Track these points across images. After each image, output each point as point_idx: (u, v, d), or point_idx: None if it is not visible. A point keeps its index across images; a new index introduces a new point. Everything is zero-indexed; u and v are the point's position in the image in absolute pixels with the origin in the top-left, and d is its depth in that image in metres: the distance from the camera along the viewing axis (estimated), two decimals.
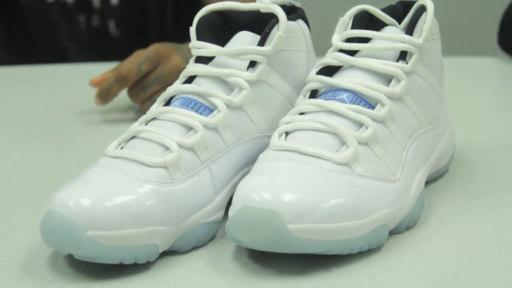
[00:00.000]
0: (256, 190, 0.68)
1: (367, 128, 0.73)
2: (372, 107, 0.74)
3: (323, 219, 0.67)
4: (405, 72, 0.77)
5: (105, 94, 1.15)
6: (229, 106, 0.77)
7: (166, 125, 0.76)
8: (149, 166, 0.72)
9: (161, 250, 0.71)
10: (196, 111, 0.77)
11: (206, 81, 0.79)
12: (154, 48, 1.16)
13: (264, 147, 0.77)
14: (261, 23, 0.82)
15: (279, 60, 0.81)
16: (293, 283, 0.68)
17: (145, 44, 1.35)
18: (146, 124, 0.77)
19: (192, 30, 0.82)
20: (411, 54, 0.78)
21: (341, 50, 0.78)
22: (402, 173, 0.76)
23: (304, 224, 0.66)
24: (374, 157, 0.73)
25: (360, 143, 0.72)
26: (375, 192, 0.72)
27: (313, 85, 0.78)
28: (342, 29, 0.80)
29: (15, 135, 1.10)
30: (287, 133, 0.75)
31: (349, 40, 0.79)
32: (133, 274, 0.70)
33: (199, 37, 0.81)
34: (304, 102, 0.76)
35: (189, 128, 0.75)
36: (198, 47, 0.81)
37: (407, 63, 0.77)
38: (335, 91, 0.75)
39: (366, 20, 0.81)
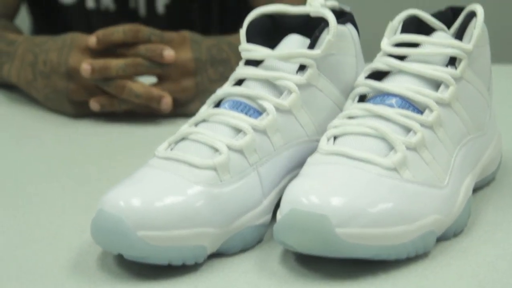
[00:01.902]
0: (305, 194, 0.68)
1: (415, 133, 0.73)
2: (421, 112, 0.74)
3: (371, 223, 0.68)
4: (454, 78, 0.76)
5: (106, 36, 1.11)
6: (278, 109, 0.77)
7: (215, 127, 0.77)
8: (198, 167, 0.72)
9: (209, 252, 0.72)
10: (246, 114, 0.77)
11: (256, 84, 0.80)
12: (178, 33, 1.12)
13: (312, 150, 0.78)
14: (311, 27, 0.83)
15: (328, 64, 0.81)
16: None
17: None
18: (195, 126, 0.77)
19: (242, 33, 0.82)
20: (460, 60, 0.77)
21: (390, 55, 0.78)
22: (450, 179, 0.75)
23: (352, 229, 0.67)
24: (422, 163, 0.73)
25: (408, 148, 0.72)
26: (423, 197, 0.72)
27: (361, 90, 0.78)
28: (391, 34, 0.80)
29: (63, 135, 1.09)
30: (335, 137, 0.75)
31: (398, 45, 0.79)
32: (181, 275, 0.71)
33: (249, 40, 0.82)
34: (353, 107, 0.76)
35: (238, 130, 0.76)
36: (248, 50, 0.81)
37: (456, 68, 0.77)
38: (383, 96, 0.76)
39: (415, 25, 0.81)
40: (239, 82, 0.81)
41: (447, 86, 0.76)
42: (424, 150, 0.74)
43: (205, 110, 0.80)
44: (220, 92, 0.80)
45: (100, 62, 1.07)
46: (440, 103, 0.75)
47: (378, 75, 0.79)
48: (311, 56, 0.79)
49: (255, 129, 0.76)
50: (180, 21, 1.62)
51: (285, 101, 0.78)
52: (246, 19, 0.83)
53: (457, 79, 0.77)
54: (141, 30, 1.09)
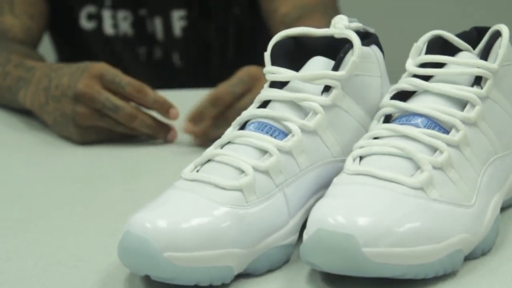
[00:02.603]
0: (331, 214, 0.68)
1: (441, 153, 0.73)
2: (447, 132, 0.75)
3: (398, 243, 0.68)
4: (480, 97, 0.77)
5: (198, 116, 1.10)
6: (303, 130, 0.77)
7: (241, 148, 0.77)
8: (224, 189, 0.73)
9: (236, 273, 0.72)
10: (271, 135, 0.77)
11: (281, 105, 0.80)
12: (247, 70, 1.11)
13: (338, 171, 0.78)
14: (335, 49, 0.83)
15: (353, 85, 0.81)
16: None
17: (208, 75, 1.35)
18: (221, 148, 0.78)
19: (267, 55, 0.82)
20: (486, 79, 0.77)
21: (415, 75, 0.79)
22: (477, 198, 0.75)
23: (379, 248, 0.67)
24: (449, 182, 0.73)
25: (434, 167, 0.72)
26: (450, 216, 0.72)
27: (387, 110, 0.78)
28: (416, 54, 0.80)
29: (86, 159, 1.11)
30: (361, 158, 0.75)
31: (423, 65, 0.79)
32: None
33: (274, 62, 0.82)
34: (378, 127, 0.77)
35: (264, 151, 0.76)
36: (273, 72, 0.81)
37: (481, 88, 0.77)
38: (409, 116, 0.76)
39: (440, 46, 0.81)
40: (264, 104, 0.81)
41: (473, 106, 0.76)
42: (450, 169, 0.73)
43: (231, 132, 0.79)
44: (246, 114, 0.80)
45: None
46: (466, 122, 0.75)
47: (404, 96, 0.79)
48: (336, 77, 0.79)
49: (281, 150, 0.76)
50: (197, 43, 1.63)
51: (310, 122, 0.78)
52: (271, 41, 0.83)
53: (483, 99, 0.77)
54: (223, 94, 1.10)
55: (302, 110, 0.79)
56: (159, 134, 1.12)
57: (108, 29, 1.61)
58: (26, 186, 1.04)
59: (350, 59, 0.79)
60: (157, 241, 0.69)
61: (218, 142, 0.79)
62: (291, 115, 0.79)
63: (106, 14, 1.60)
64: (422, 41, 0.81)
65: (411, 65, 0.80)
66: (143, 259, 0.70)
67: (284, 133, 0.78)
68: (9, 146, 1.19)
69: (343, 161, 0.78)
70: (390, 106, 0.79)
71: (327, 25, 0.91)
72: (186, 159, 0.83)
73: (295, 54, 0.84)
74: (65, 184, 1.03)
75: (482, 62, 0.78)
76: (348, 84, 0.80)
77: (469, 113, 0.76)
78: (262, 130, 0.78)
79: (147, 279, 0.73)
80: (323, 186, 0.79)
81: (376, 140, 0.76)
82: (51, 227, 0.87)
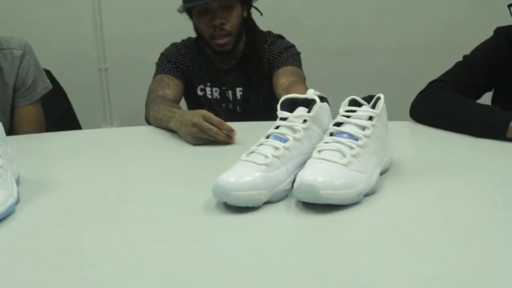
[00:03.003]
0: (306, 175, 0.80)
1: (355, 149, 0.85)
2: (357, 140, 0.86)
3: (335, 188, 0.79)
4: (372, 125, 0.88)
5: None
6: (294, 139, 0.88)
7: (266, 147, 0.87)
8: (259, 164, 0.83)
9: (264, 201, 0.82)
10: (280, 141, 0.88)
11: (285, 128, 0.91)
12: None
13: (309, 158, 0.86)
14: (309, 103, 0.92)
15: (316, 118, 0.92)
16: None
17: (253, 116, 1.53)
18: (257, 146, 0.88)
19: (278, 106, 0.93)
20: (374, 117, 0.89)
21: (343, 115, 0.89)
22: (369, 169, 0.86)
23: (327, 191, 0.79)
24: (358, 162, 0.84)
25: (352, 156, 0.84)
26: (358, 177, 0.83)
27: (331, 130, 0.89)
28: (344, 106, 0.91)
29: (195, 151, 1.17)
30: (319, 151, 0.85)
31: (347, 111, 0.90)
32: (252, 211, 0.79)
33: (281, 109, 0.92)
34: (327, 138, 0.88)
35: (277, 148, 0.87)
36: (281, 113, 0.92)
37: (372, 121, 0.89)
38: (341, 133, 0.88)
39: (353, 103, 0.92)
40: (277, 127, 0.91)
41: (368, 129, 0.88)
42: (358, 156, 0.85)
43: (262, 139, 0.89)
44: (268, 132, 0.91)
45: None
46: (366, 136, 0.87)
47: (338, 124, 0.89)
48: (309, 116, 0.91)
49: (284, 148, 0.87)
50: (247, 102, 1.69)
51: (298, 135, 0.89)
52: (280, 100, 0.93)
53: (373, 126, 0.89)
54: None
55: (293, 130, 0.91)
56: (229, 140, 1.21)
57: (209, 95, 1.72)
58: (172, 163, 1.12)
59: (315, 107, 0.92)
60: (229, 186, 0.80)
61: (256, 143, 0.88)
62: (288, 132, 0.90)
63: (208, 89, 1.71)
64: (346, 101, 0.91)
65: (341, 111, 0.91)
66: (223, 195, 0.81)
67: (285, 140, 0.89)
68: (163, 146, 1.26)
69: (311, 153, 0.88)
70: (332, 129, 0.90)
71: (304, 91, 1.00)
72: (237, 152, 0.90)
73: (290, 105, 0.93)
74: (183, 164, 1.11)
75: (373, 109, 0.91)
76: (315, 118, 0.92)
77: (367, 132, 0.88)
78: (276, 139, 0.89)
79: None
80: (302, 164, 0.87)
81: (325, 144, 0.87)
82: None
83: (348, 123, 0.89)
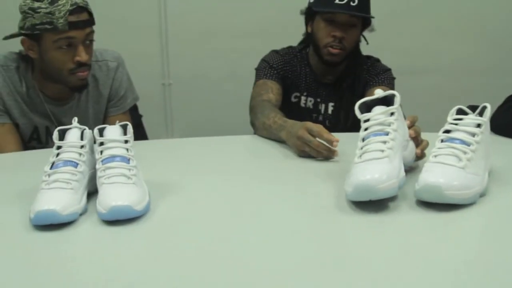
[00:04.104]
0: (429, 177, 0.88)
1: (469, 153, 0.91)
2: (468, 145, 0.93)
3: (458, 189, 0.86)
4: (480, 132, 0.95)
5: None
6: (393, 130, 0.97)
7: (375, 144, 0.92)
8: (379, 158, 0.89)
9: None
10: (382, 135, 0.95)
11: (377, 126, 0.95)
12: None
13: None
14: (386, 101, 0.98)
15: (399, 110, 0.97)
16: None
17: (340, 127, 1.60)
18: (366, 146, 0.93)
19: (356, 109, 0.97)
20: (482, 124, 0.96)
21: (451, 123, 0.97)
22: (481, 172, 0.92)
23: (450, 191, 0.86)
24: (472, 166, 0.90)
25: (467, 159, 0.90)
26: (474, 179, 0.90)
27: (441, 137, 0.96)
28: (451, 115, 0.98)
29: (293, 162, 1.22)
30: (435, 156, 0.93)
31: (455, 119, 0.98)
32: None
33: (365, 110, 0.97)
34: (439, 144, 0.95)
35: (384, 142, 0.93)
36: (366, 115, 0.96)
37: (480, 128, 0.96)
38: (453, 139, 0.95)
39: (461, 111, 0.99)
40: (366, 129, 0.96)
41: (478, 135, 0.95)
42: (472, 160, 0.92)
43: (361, 143, 0.94)
44: (362, 134, 0.95)
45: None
46: (477, 141, 0.94)
47: (447, 131, 0.97)
48: (394, 109, 0.95)
49: (391, 140, 0.94)
50: (337, 115, 1.73)
51: (394, 127, 0.94)
52: (357, 105, 0.97)
53: (482, 132, 0.95)
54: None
55: (387, 123, 0.95)
56: (328, 154, 1.22)
57: (302, 104, 1.77)
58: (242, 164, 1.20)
59: (397, 100, 0.97)
60: (372, 182, 0.85)
61: (359, 146, 0.93)
62: (385, 127, 0.94)
63: (303, 97, 1.76)
64: (454, 110, 0.98)
65: (449, 119, 0.98)
66: (369, 192, 0.88)
67: (387, 133, 0.94)
68: (269, 155, 1.29)
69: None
70: (443, 135, 0.97)
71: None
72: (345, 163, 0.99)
73: (366, 109, 0.98)
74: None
75: (481, 117, 0.98)
76: (398, 110, 0.97)
77: (477, 138, 0.95)
78: (377, 136, 0.94)
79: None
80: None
81: (440, 149, 0.94)
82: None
83: (458, 130, 0.96)
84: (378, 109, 0.95)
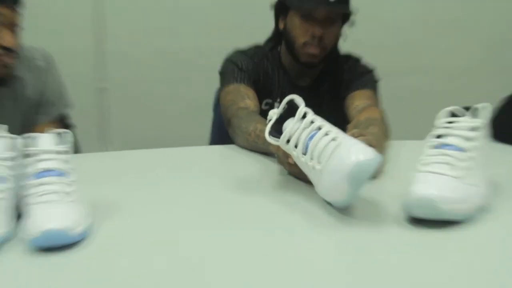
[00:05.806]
0: (420, 189, 0.83)
1: (466, 161, 0.87)
2: (464, 151, 0.88)
3: (452, 202, 0.81)
4: (478, 136, 0.90)
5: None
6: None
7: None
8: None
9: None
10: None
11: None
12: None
13: None
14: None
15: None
16: None
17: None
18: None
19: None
20: (479, 128, 0.91)
21: (444, 127, 0.92)
22: (482, 182, 0.88)
23: (445, 205, 0.81)
24: (471, 175, 0.86)
25: (462, 169, 0.86)
26: (470, 191, 0.85)
27: (434, 143, 0.91)
28: (441, 117, 0.93)
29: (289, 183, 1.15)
30: (426, 164, 0.87)
31: (448, 122, 0.92)
32: None
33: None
34: (431, 151, 0.90)
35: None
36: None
37: (478, 131, 0.91)
38: (445, 145, 0.90)
39: (449, 113, 0.93)
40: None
41: (476, 139, 0.89)
42: (470, 169, 0.87)
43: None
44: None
45: None
46: (475, 147, 0.89)
47: (438, 136, 0.92)
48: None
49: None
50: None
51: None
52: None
53: (480, 136, 0.91)
54: None
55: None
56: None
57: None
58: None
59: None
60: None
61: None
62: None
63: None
64: (444, 112, 0.93)
65: (439, 123, 0.92)
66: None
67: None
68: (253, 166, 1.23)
69: None
70: (435, 141, 0.91)
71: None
72: None
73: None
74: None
75: (477, 119, 0.93)
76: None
77: (475, 143, 0.89)
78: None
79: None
80: None
81: (432, 157, 0.89)
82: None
83: (451, 134, 0.91)
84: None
